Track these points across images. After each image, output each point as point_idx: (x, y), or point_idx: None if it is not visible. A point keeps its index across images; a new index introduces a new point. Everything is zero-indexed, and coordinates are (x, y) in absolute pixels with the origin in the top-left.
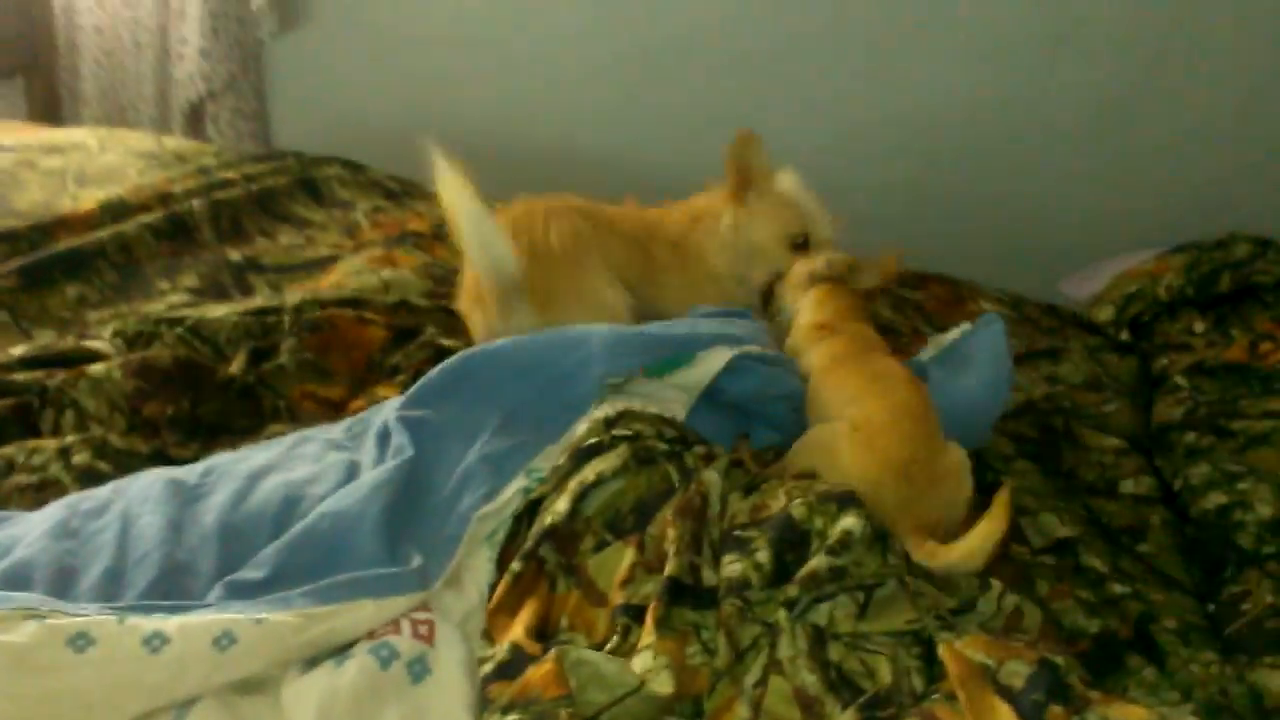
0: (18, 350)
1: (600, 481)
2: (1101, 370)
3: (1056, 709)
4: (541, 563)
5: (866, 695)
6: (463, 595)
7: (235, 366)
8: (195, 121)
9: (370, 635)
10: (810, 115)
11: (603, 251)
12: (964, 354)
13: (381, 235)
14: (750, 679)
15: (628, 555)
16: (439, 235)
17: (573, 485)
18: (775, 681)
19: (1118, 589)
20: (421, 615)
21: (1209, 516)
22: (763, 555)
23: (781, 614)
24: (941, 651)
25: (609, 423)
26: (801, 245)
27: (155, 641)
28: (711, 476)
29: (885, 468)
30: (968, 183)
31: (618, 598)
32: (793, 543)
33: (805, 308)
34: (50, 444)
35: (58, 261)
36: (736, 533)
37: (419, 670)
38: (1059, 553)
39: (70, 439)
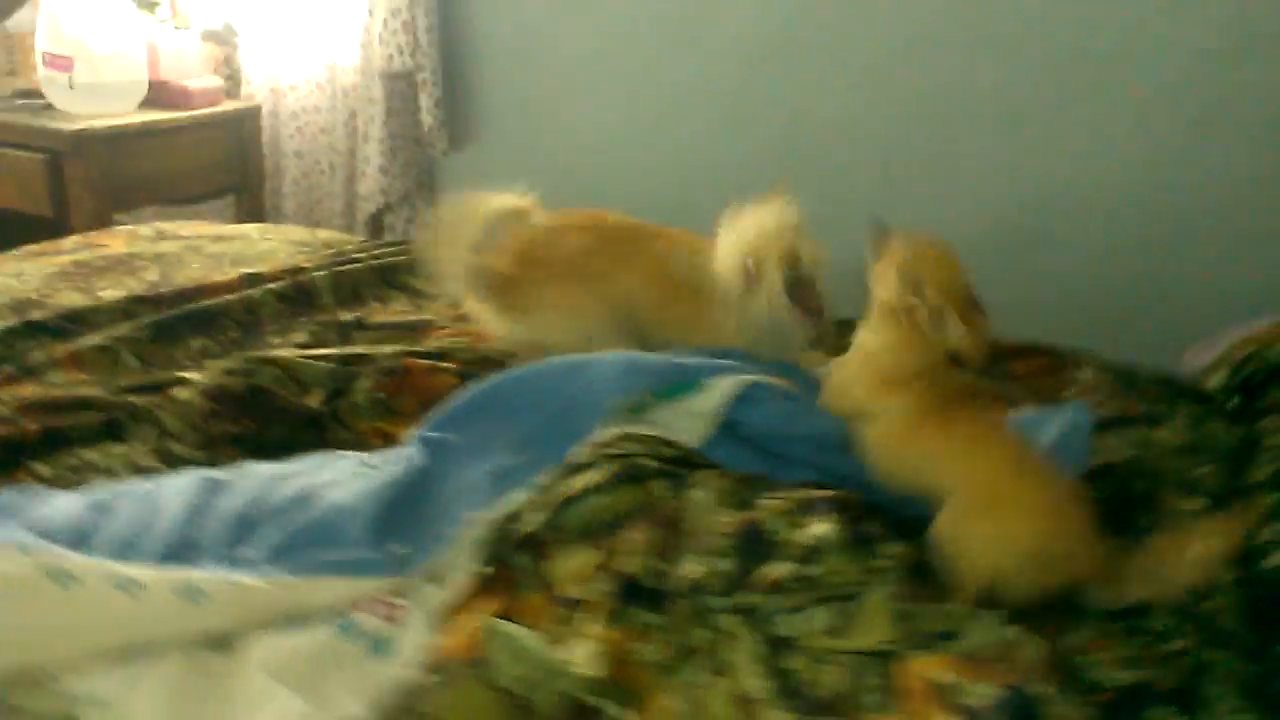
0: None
1: (582, 496)
2: (1204, 437)
3: None
4: (512, 569)
5: (809, 699)
6: (445, 592)
7: (313, 400)
8: (376, 230)
9: (340, 614)
10: (953, 203)
11: (614, 276)
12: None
13: None
14: (693, 677)
15: (591, 557)
16: None
17: (552, 498)
18: (717, 682)
19: (1166, 646)
20: (395, 600)
21: (1274, 573)
22: (725, 562)
23: (735, 620)
24: (898, 669)
25: (604, 444)
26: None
27: (131, 586)
28: (696, 493)
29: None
30: (1112, 263)
31: (571, 593)
32: (761, 553)
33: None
34: (123, 449)
35: (187, 318)
36: (707, 538)
37: (381, 648)
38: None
39: (141, 447)
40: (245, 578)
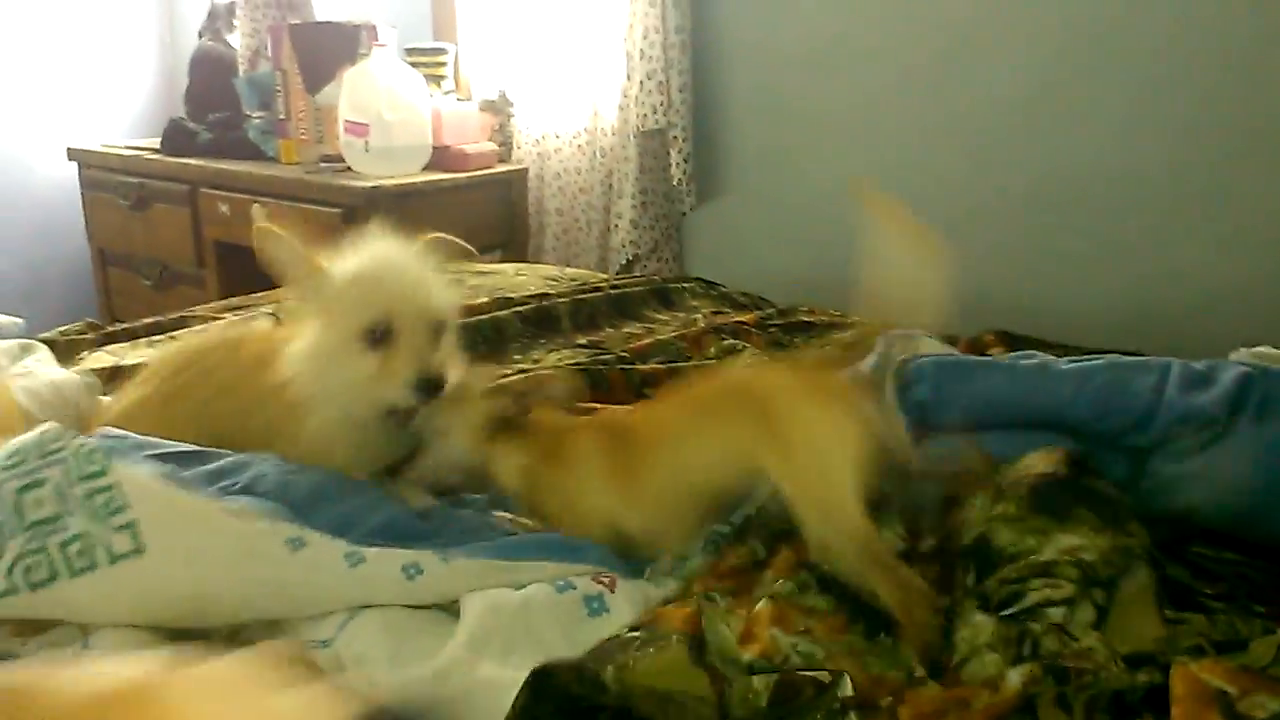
0: None
1: None
2: None
3: None
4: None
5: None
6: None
7: None
8: None
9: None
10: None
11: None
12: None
13: (709, 325)
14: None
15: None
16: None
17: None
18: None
19: None
20: (605, 573)
21: None
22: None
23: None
24: (1173, 671)
25: None
26: (380, 337)
27: (354, 558)
28: None
29: None
30: None
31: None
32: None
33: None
34: None
35: None
36: None
37: (596, 606)
38: None
39: None
40: (459, 559)
